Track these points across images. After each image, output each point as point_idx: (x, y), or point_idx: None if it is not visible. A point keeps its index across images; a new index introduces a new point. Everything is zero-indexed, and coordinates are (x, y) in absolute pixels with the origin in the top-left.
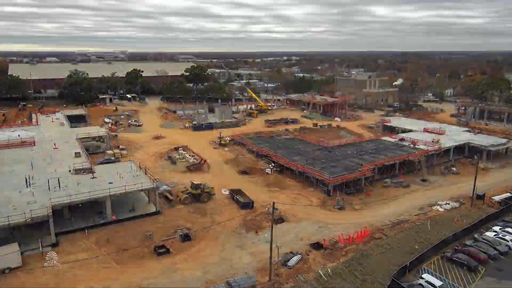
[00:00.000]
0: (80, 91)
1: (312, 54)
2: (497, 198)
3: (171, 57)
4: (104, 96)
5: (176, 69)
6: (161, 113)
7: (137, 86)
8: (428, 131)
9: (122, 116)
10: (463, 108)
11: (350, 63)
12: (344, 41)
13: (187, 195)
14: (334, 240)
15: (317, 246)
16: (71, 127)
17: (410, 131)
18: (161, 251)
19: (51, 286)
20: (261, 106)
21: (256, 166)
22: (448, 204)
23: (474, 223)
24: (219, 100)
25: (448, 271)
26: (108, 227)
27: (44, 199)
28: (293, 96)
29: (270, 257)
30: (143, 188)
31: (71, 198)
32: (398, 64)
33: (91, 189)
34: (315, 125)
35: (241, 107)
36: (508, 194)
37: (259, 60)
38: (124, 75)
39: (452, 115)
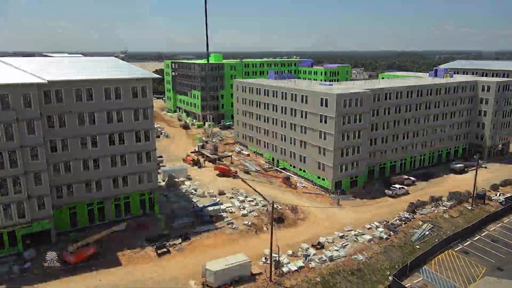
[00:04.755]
0: None
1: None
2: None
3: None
4: None
5: None
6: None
7: None
8: None
9: None
10: None
11: (350, 62)
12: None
13: None
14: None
15: (318, 245)
16: None
17: None
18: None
19: None
20: None
21: None
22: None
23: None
24: None
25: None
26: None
27: None
28: None
29: (270, 257)
30: None
31: None
32: (398, 64)
33: None
34: None
35: None
36: (509, 194)
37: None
38: None
39: None
